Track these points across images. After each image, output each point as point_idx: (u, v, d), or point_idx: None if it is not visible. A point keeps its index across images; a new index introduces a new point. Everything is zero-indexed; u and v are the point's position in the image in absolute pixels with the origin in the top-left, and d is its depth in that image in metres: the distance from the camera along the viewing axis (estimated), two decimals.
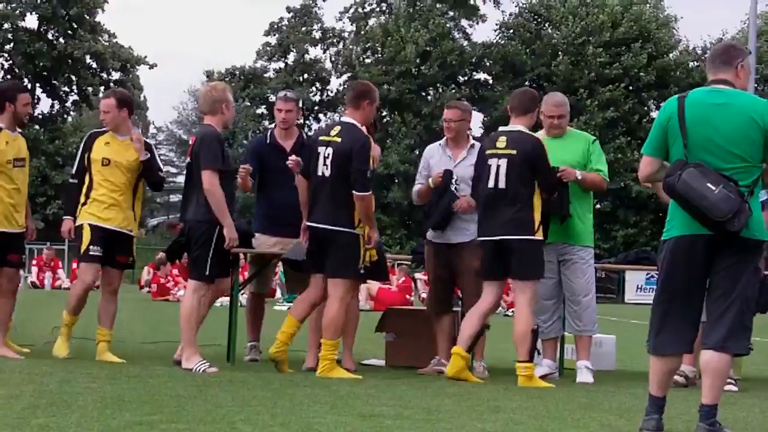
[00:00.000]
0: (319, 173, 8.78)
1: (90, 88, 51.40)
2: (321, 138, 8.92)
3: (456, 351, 8.84)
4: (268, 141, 10.16)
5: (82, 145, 9.50)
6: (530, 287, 8.79)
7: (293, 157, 9.21)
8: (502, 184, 8.75)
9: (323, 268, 8.84)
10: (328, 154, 8.74)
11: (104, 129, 9.45)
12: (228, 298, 9.91)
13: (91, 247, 9.19)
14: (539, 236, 8.78)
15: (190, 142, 9.21)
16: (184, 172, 9.45)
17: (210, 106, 9.03)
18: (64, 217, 9.51)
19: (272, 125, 10.36)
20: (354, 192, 8.68)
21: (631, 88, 53.40)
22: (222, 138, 9.03)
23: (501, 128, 9.17)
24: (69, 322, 9.37)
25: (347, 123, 8.91)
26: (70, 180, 9.62)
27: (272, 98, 58.88)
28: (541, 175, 8.82)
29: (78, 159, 9.46)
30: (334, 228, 8.71)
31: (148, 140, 9.89)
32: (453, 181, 9.35)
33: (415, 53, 54.31)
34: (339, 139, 8.77)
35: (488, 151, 8.90)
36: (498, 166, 8.78)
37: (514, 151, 8.77)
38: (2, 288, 9.38)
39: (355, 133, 8.80)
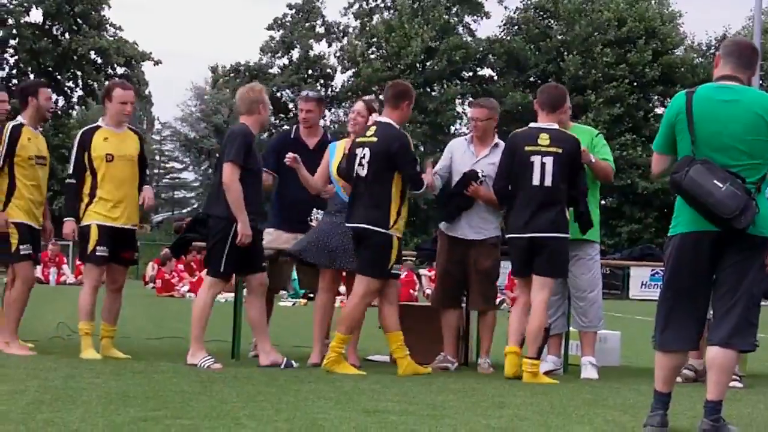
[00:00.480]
0: (357, 173, 8.81)
1: (95, 84, 51.38)
2: (358, 139, 8.94)
3: (510, 350, 8.82)
4: (292, 136, 10.15)
5: (77, 144, 9.31)
6: (550, 286, 8.80)
7: (290, 154, 9.22)
8: (548, 182, 8.75)
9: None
10: (365, 154, 8.75)
11: (97, 125, 9.32)
12: (232, 294, 9.91)
13: (98, 247, 9.17)
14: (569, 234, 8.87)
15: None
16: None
17: (248, 106, 9.06)
18: (66, 219, 9.35)
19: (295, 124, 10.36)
20: (411, 192, 8.79)
21: (636, 84, 53.38)
22: (252, 137, 9.00)
23: (535, 125, 9.07)
24: (88, 329, 9.18)
25: (383, 123, 8.92)
26: (68, 181, 9.38)
27: (278, 94, 59.07)
28: (578, 174, 8.85)
29: (74, 158, 9.27)
30: (368, 227, 8.71)
31: (139, 131, 9.80)
32: (480, 174, 9.36)
33: (420, 49, 54.29)
34: (375, 139, 8.79)
35: (528, 148, 8.86)
36: (543, 164, 8.76)
37: (560, 150, 8.77)
38: (17, 283, 9.38)
39: (392, 133, 8.81)
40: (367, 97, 9.95)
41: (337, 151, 9.44)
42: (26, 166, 9.26)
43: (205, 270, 9.34)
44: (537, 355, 8.72)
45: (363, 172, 8.75)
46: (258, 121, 9.08)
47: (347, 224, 8.90)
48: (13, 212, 9.19)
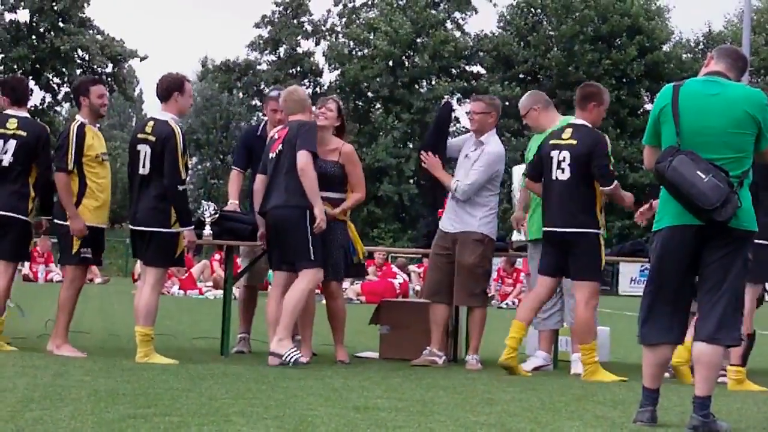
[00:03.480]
0: (553, 177, 8.81)
1: None
2: (552, 142, 8.90)
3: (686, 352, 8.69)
4: (258, 133, 10.17)
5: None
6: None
7: None
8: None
9: (564, 272, 8.89)
10: (564, 158, 8.77)
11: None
12: (221, 291, 9.91)
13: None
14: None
15: (277, 137, 9.08)
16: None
17: (300, 105, 9.10)
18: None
19: (265, 118, 10.38)
20: (602, 188, 8.78)
21: (624, 80, 53.40)
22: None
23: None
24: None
25: (579, 125, 8.92)
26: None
27: (266, 90, 58.90)
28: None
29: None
30: (578, 230, 8.70)
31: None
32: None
33: (405, 43, 54.22)
34: (574, 142, 8.79)
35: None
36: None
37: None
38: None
39: (592, 135, 8.86)
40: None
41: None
42: (95, 165, 9.13)
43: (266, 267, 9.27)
44: (741, 362, 8.68)
45: (563, 176, 8.77)
46: (308, 119, 9.13)
47: (545, 228, 8.87)
48: (82, 214, 9.07)
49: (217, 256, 27.14)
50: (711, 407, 5.99)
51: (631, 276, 37.92)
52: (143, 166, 8.88)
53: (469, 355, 9.51)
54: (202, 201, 10.66)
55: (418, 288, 25.03)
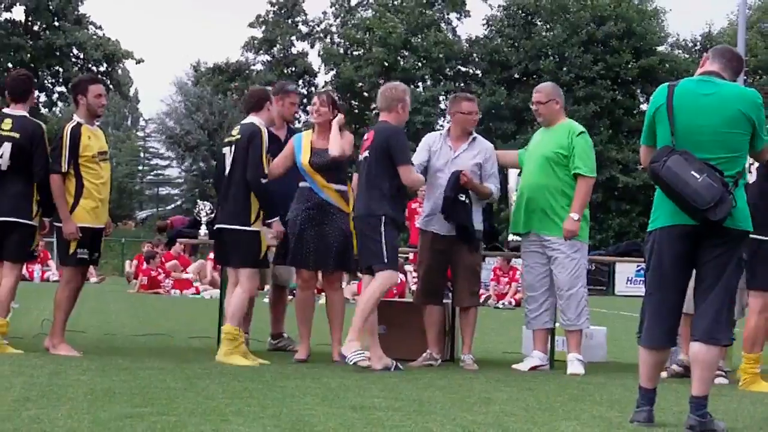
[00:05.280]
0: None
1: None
2: None
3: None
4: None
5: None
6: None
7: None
8: None
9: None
10: None
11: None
12: (218, 291, 9.92)
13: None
14: None
15: (365, 137, 9.12)
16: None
17: (388, 104, 9.10)
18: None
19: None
20: None
21: (619, 81, 53.41)
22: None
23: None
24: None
25: None
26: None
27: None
28: None
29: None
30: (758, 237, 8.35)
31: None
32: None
33: (399, 44, 54.23)
34: None
35: None
36: None
37: None
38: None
39: None
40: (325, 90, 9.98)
41: (303, 143, 9.38)
42: (92, 165, 9.11)
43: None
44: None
45: None
46: (397, 119, 9.12)
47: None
48: (78, 215, 9.07)
49: (212, 255, 27.12)
50: (708, 407, 6.00)
51: (627, 276, 37.87)
52: (229, 168, 9.13)
53: (465, 355, 9.51)
54: (198, 201, 10.68)
55: (414, 288, 24.98)
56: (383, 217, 8.86)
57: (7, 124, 9.24)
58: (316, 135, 9.35)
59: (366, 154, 9.05)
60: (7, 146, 9.18)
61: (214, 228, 9.24)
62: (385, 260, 8.87)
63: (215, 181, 9.41)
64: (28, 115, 9.34)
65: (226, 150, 9.18)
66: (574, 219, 9.24)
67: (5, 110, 9.40)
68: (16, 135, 9.20)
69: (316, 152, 9.24)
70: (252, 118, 9.21)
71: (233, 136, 9.16)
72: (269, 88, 10.41)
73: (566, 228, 9.24)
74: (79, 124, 9.12)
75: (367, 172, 9.01)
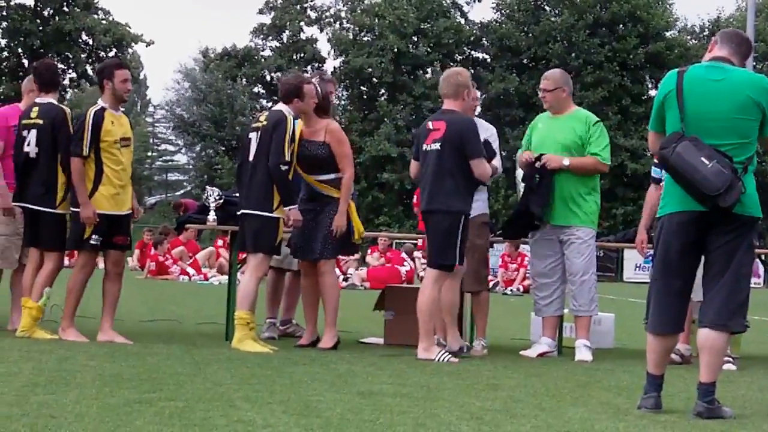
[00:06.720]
0: None
1: (87, 65, 51.07)
2: None
3: None
4: None
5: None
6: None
7: None
8: None
9: None
10: None
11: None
12: (225, 277, 9.92)
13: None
14: None
15: (432, 126, 8.91)
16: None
17: (455, 90, 8.98)
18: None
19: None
20: None
21: (627, 66, 53.30)
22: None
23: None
24: (249, 319, 9.01)
25: None
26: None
27: (268, 77, 58.87)
28: None
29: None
30: None
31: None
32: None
33: (410, 31, 54.14)
34: None
35: None
36: None
37: None
38: (109, 271, 9.30)
39: None
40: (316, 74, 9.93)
41: (296, 132, 9.28)
42: (113, 151, 9.06)
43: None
44: None
45: None
46: (461, 107, 9.01)
47: None
48: (97, 201, 9.05)
49: (220, 242, 27.14)
50: (716, 393, 5.99)
51: (636, 262, 37.91)
52: (251, 154, 9.08)
53: (477, 340, 9.51)
54: (206, 187, 10.67)
55: (422, 275, 25.04)
56: (461, 215, 8.76)
57: (35, 112, 9.36)
58: (304, 125, 9.34)
59: (437, 146, 8.81)
60: (33, 133, 9.28)
61: (238, 213, 9.19)
62: (457, 259, 8.81)
63: (238, 166, 9.38)
64: (55, 102, 9.41)
65: (252, 135, 9.11)
66: (564, 162, 9.26)
67: (36, 99, 9.48)
68: (41, 121, 9.27)
69: (302, 143, 9.25)
70: (281, 106, 9.19)
71: (260, 122, 9.13)
72: (307, 75, 10.23)
73: (552, 158, 9.25)
74: (102, 109, 9.10)
75: (437, 163, 8.80)
